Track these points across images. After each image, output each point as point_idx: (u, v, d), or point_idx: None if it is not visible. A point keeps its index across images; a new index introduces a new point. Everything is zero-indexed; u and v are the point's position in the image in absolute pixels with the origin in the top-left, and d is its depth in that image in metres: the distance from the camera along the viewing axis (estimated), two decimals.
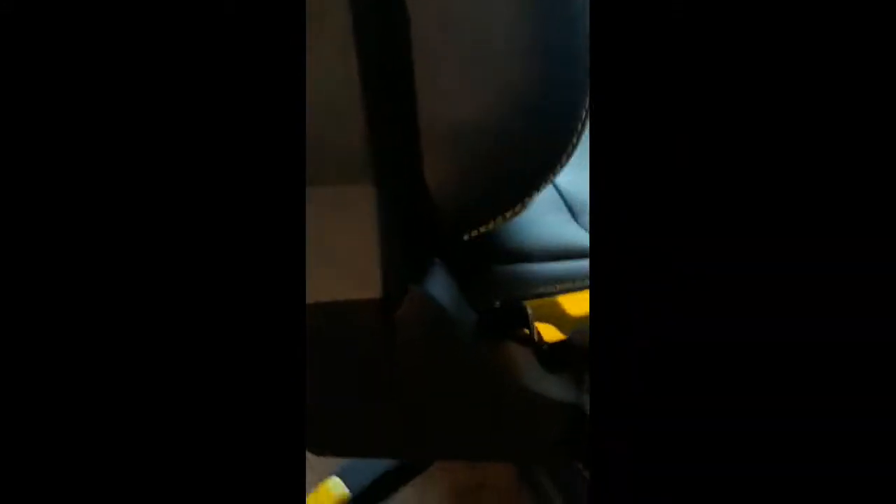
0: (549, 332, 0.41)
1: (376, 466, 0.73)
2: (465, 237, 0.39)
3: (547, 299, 0.42)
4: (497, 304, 0.40)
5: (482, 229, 0.38)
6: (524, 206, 0.40)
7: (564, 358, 0.36)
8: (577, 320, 0.43)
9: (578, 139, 0.34)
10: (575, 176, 0.61)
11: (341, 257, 0.31)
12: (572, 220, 0.53)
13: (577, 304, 0.43)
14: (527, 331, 0.38)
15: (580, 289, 0.43)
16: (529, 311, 0.37)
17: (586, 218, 0.53)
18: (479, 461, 0.73)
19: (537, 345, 0.36)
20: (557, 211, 0.55)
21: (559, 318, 0.42)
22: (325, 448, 0.45)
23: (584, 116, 0.33)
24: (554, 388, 0.38)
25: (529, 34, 0.32)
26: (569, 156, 0.34)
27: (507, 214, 0.37)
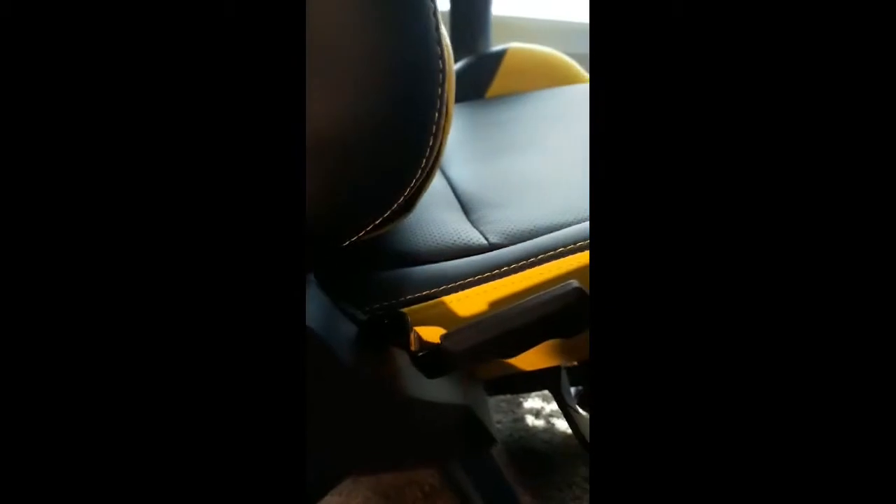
0: (436, 335, 0.41)
1: None
2: (342, 246, 0.38)
3: (432, 301, 0.42)
4: (379, 312, 0.39)
5: (354, 238, 0.38)
6: (398, 211, 0.39)
7: (437, 363, 0.36)
8: (465, 320, 0.42)
9: (436, 144, 0.34)
10: (468, 172, 0.61)
11: None
12: (464, 218, 0.53)
13: (464, 303, 0.42)
14: (411, 337, 0.38)
15: (470, 286, 0.43)
16: (408, 317, 0.37)
17: (477, 214, 0.52)
18: (381, 473, 0.73)
19: (413, 352, 0.36)
20: (450, 208, 0.55)
21: (445, 319, 0.42)
22: None
23: (438, 121, 0.33)
24: (439, 392, 0.38)
25: (379, 43, 0.31)
26: (428, 161, 0.34)
27: (378, 222, 0.37)
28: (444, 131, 0.39)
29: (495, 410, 0.89)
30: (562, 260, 0.42)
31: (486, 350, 0.34)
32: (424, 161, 0.33)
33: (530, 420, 0.88)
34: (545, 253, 0.43)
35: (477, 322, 0.34)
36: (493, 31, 0.85)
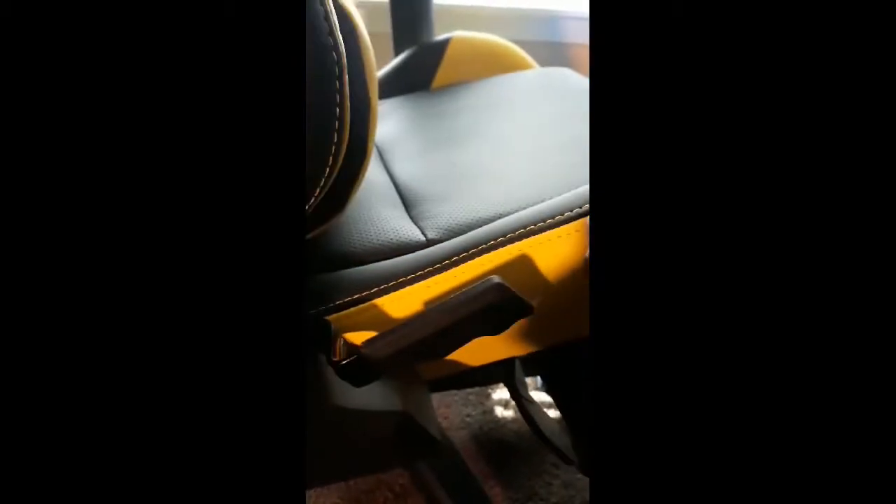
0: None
1: None
2: None
3: (364, 305, 0.41)
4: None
5: None
6: (322, 210, 0.38)
7: (361, 371, 0.35)
8: (399, 321, 0.41)
9: (341, 136, 0.32)
10: (412, 166, 0.60)
11: None
12: (405, 214, 0.52)
13: (397, 305, 0.41)
14: (337, 345, 0.36)
15: (403, 286, 0.42)
16: (331, 325, 0.35)
17: (418, 210, 0.51)
18: (318, 486, 0.72)
19: (336, 362, 0.34)
20: (390, 205, 0.54)
21: (378, 323, 0.40)
22: None
23: (340, 115, 0.31)
24: (370, 400, 0.36)
25: None
26: (336, 157, 0.33)
27: None
28: (369, 125, 0.37)
29: (464, 403, 0.89)
30: (494, 252, 0.41)
31: (411, 354, 0.32)
32: (331, 158, 0.32)
33: (499, 411, 0.87)
34: (478, 246, 0.42)
35: (398, 327, 0.33)
36: (436, 20, 0.83)
